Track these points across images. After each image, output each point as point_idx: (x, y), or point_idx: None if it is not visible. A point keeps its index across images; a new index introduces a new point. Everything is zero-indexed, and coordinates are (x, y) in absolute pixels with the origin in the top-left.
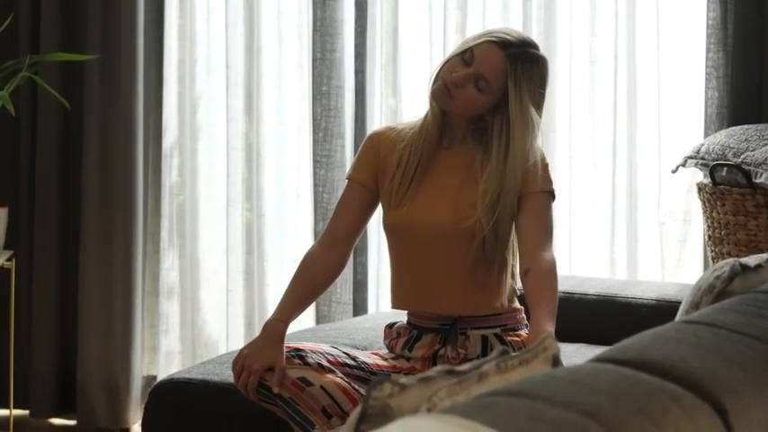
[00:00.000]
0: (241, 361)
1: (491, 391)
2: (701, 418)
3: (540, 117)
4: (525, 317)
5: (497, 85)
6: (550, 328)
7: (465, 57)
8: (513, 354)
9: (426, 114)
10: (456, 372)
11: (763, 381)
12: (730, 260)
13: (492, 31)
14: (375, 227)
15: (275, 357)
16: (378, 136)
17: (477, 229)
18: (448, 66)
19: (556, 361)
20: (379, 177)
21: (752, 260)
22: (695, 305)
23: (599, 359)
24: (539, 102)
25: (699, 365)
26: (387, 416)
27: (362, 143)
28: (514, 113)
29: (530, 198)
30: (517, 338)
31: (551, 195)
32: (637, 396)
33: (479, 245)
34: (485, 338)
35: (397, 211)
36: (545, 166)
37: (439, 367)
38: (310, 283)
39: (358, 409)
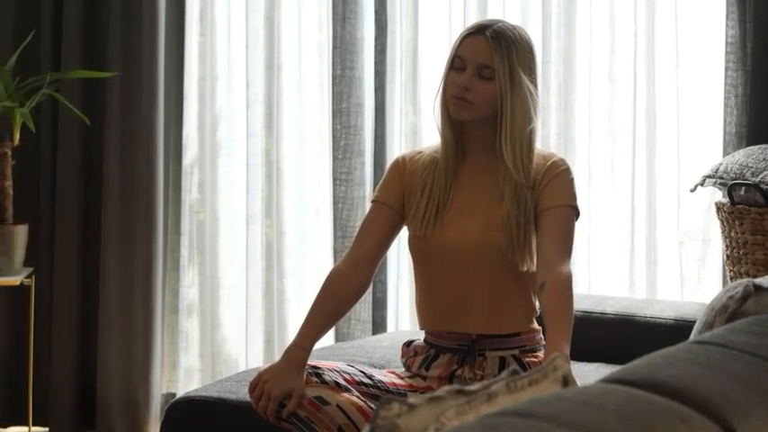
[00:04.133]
0: (260, 386)
1: (498, 411)
2: None
3: (536, 85)
4: (543, 337)
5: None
6: (566, 349)
7: (456, 65)
8: (523, 374)
9: (441, 143)
10: (465, 391)
11: None
12: (744, 280)
13: (463, 31)
14: (394, 246)
15: (295, 384)
16: (404, 159)
17: (506, 225)
18: (448, 85)
19: (566, 381)
20: (405, 200)
21: (766, 280)
22: (709, 325)
23: (608, 380)
24: (530, 65)
25: (708, 386)
26: None
27: (389, 166)
28: (502, 82)
29: (552, 211)
30: (535, 359)
31: (575, 210)
32: (645, 417)
33: (509, 246)
34: (503, 360)
35: (425, 237)
36: (570, 181)
37: (448, 387)
38: (334, 304)
39: (366, 429)
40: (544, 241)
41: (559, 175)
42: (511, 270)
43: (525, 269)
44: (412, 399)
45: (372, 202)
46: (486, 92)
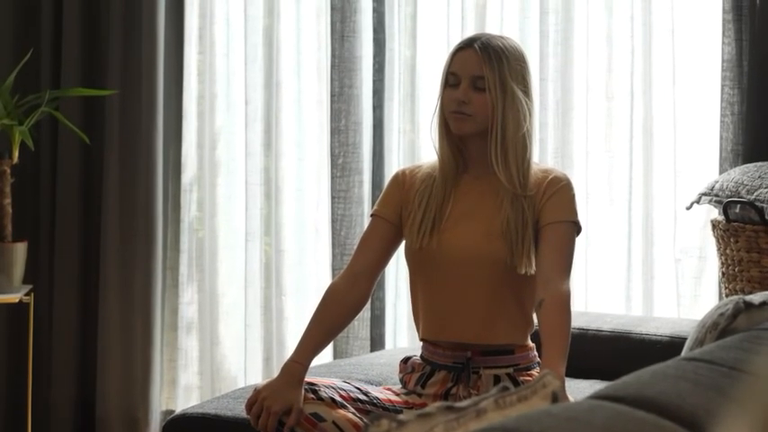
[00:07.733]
0: (260, 403)
1: (486, 427)
2: None
3: (530, 96)
4: (537, 354)
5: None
6: (562, 367)
7: (450, 82)
8: (512, 390)
9: (439, 162)
10: (455, 408)
11: (760, 418)
12: (735, 297)
13: (453, 48)
14: (393, 263)
15: (294, 399)
16: (404, 173)
17: (506, 231)
18: (445, 102)
19: (555, 398)
20: (403, 214)
21: (757, 297)
22: (699, 342)
23: (596, 396)
24: (522, 73)
25: (695, 402)
26: None
27: (389, 180)
28: (493, 90)
29: (553, 227)
30: (530, 378)
31: (576, 226)
32: None
33: (509, 253)
34: (497, 378)
35: (421, 249)
36: (572, 197)
37: (438, 403)
38: (332, 319)
39: None
40: (544, 258)
41: (561, 190)
42: (509, 279)
43: (524, 272)
44: (401, 415)
45: (371, 216)
46: (483, 103)
